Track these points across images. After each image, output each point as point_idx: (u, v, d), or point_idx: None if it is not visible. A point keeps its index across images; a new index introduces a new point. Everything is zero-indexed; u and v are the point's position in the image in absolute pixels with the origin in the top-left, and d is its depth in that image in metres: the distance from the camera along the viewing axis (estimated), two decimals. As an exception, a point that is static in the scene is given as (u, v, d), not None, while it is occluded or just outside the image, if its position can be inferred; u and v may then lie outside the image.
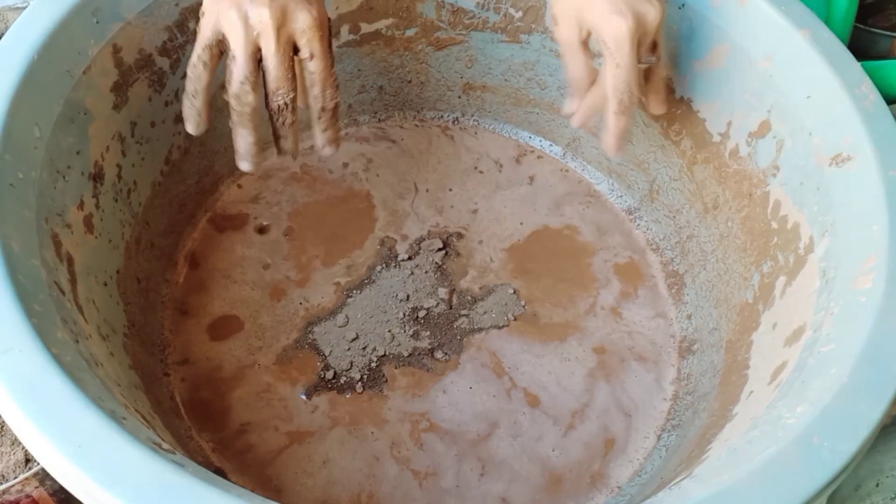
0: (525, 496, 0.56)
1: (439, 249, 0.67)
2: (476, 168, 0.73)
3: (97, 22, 0.52)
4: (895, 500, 0.56)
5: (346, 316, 0.62)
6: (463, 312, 0.64)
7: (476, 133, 0.76)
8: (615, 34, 0.50)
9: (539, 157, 0.75)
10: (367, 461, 0.56)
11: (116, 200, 0.55)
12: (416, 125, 0.76)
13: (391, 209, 0.70)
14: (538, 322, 0.64)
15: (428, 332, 0.62)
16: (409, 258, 0.66)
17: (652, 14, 0.51)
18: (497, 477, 0.56)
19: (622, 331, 0.64)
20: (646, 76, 0.57)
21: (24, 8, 0.53)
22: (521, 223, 0.70)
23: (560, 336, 0.63)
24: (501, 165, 0.74)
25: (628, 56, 0.51)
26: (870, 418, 0.40)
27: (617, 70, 0.51)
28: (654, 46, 0.54)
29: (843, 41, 0.56)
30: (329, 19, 0.52)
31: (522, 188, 0.72)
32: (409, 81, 0.75)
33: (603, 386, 0.61)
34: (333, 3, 0.66)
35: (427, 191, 0.71)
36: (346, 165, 0.72)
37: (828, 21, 0.69)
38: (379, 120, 0.76)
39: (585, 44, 0.54)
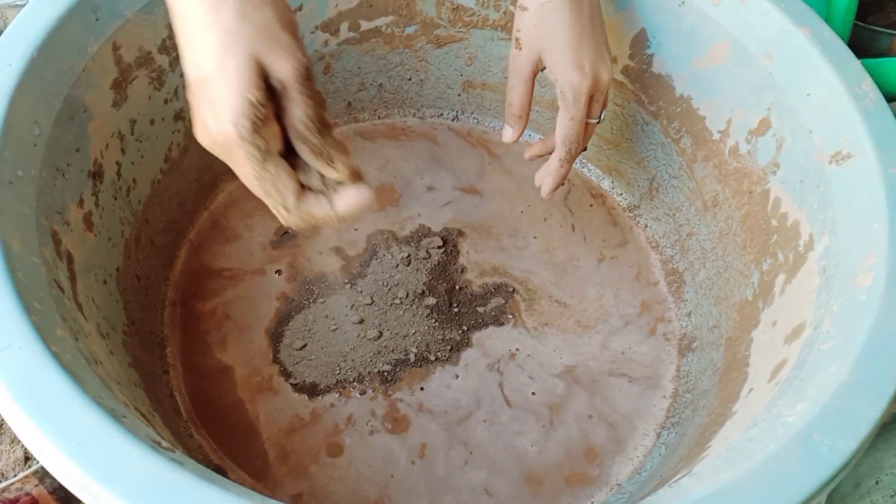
0: (507, 488, 0.56)
1: (439, 247, 0.67)
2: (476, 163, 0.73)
3: (97, 19, 0.52)
4: (895, 498, 0.56)
5: (346, 313, 0.62)
6: (463, 310, 0.64)
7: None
8: (575, 90, 0.52)
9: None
10: (366, 458, 0.56)
11: (116, 198, 0.55)
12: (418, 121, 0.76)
13: (401, 208, 0.70)
14: (538, 320, 0.64)
15: (426, 329, 0.62)
16: (408, 256, 0.66)
17: (606, 75, 0.54)
18: (478, 465, 0.56)
19: (622, 330, 0.64)
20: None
21: (24, 5, 0.53)
22: (535, 237, 0.70)
23: (559, 334, 0.63)
24: (498, 157, 0.74)
25: (582, 111, 0.54)
26: (869, 416, 0.40)
27: (570, 122, 0.54)
28: (603, 104, 0.56)
29: (843, 39, 0.56)
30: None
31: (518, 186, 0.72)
32: (409, 79, 0.75)
33: (600, 384, 0.61)
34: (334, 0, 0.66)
35: (421, 179, 0.71)
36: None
37: (828, 19, 0.69)
38: (378, 118, 0.76)
39: (535, 76, 0.55)
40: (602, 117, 0.57)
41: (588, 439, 0.59)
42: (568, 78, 0.52)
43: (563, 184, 0.59)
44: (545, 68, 0.54)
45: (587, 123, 0.55)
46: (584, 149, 0.59)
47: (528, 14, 0.52)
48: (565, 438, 0.58)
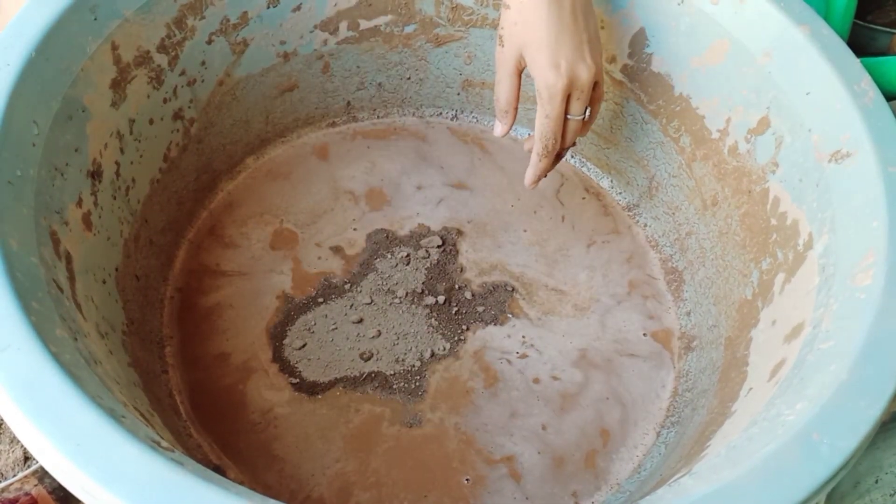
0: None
1: (438, 246, 0.67)
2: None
3: (95, 19, 0.52)
4: (894, 497, 0.56)
5: (345, 312, 0.62)
6: (462, 310, 0.64)
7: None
8: (550, 88, 0.54)
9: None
10: (354, 454, 0.56)
11: (115, 198, 0.55)
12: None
13: (394, 208, 0.70)
14: (537, 319, 0.64)
15: (426, 329, 0.62)
16: (408, 255, 0.66)
17: (585, 74, 0.55)
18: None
19: (622, 328, 0.64)
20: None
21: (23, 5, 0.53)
22: (525, 230, 0.70)
23: (558, 333, 0.63)
24: (488, 152, 0.74)
25: (557, 109, 0.55)
26: (869, 415, 0.40)
27: (546, 120, 0.56)
28: (594, 101, 0.58)
29: (842, 37, 0.56)
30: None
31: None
32: (408, 78, 0.74)
33: (601, 383, 0.61)
34: (332, -1, 0.66)
35: (419, 188, 0.71)
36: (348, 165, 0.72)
37: (827, 17, 0.69)
38: (378, 117, 0.76)
39: (520, 72, 0.57)
40: (587, 114, 0.58)
41: (602, 420, 0.59)
42: (543, 76, 0.54)
43: (544, 176, 0.61)
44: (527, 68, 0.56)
45: (567, 120, 0.57)
46: (573, 144, 0.60)
47: (510, 12, 0.54)
48: (580, 420, 0.59)
